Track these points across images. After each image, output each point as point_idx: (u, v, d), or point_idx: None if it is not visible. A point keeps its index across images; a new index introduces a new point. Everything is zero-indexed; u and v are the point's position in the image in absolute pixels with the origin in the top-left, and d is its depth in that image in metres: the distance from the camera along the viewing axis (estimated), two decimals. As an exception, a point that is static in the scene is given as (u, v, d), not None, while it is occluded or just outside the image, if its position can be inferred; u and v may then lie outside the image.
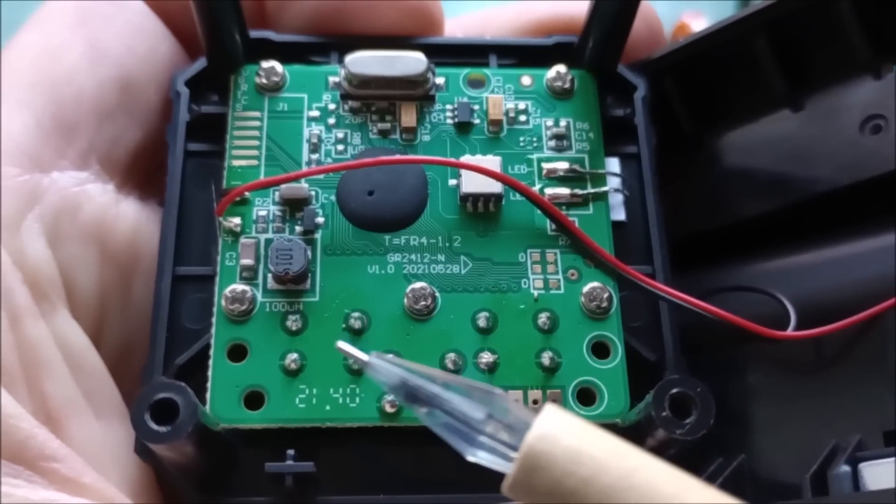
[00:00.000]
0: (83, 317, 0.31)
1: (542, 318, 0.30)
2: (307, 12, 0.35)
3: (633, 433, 0.28)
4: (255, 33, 0.34)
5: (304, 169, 0.32)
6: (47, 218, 0.30)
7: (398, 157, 0.32)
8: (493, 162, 0.32)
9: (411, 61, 0.33)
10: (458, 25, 0.38)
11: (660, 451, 0.28)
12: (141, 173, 0.34)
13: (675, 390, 0.26)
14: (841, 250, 0.33)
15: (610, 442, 0.22)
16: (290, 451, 0.29)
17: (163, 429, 0.25)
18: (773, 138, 0.35)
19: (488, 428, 0.23)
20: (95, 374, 0.30)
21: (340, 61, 0.34)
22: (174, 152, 0.33)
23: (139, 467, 0.30)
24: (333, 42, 0.35)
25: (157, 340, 0.30)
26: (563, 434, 0.22)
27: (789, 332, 0.31)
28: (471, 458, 0.23)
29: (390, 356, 0.24)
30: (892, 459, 0.27)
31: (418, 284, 0.30)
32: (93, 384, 0.30)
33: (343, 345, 0.25)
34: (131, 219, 0.33)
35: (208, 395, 0.29)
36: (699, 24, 0.66)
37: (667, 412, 0.26)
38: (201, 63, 0.34)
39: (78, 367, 0.30)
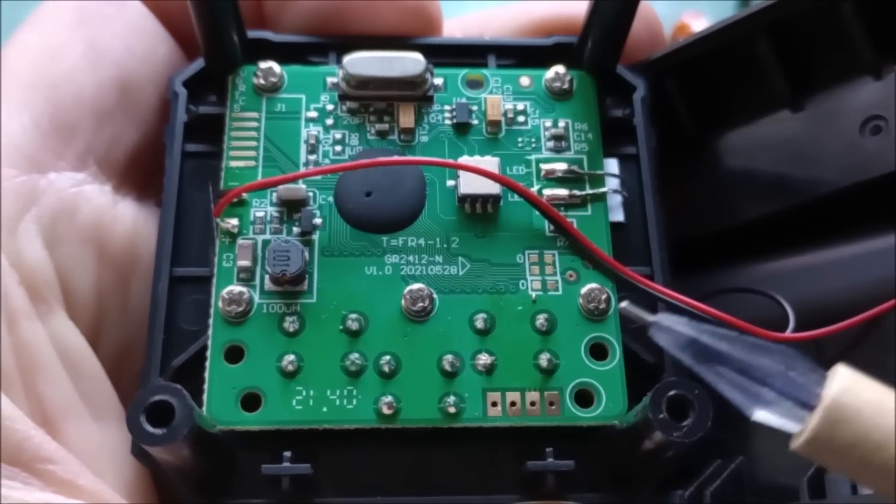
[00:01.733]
0: (80, 318, 0.31)
1: (540, 319, 0.30)
2: (306, 12, 0.35)
3: (631, 435, 0.28)
4: (253, 34, 0.34)
5: (302, 170, 0.32)
6: (44, 219, 0.30)
7: (396, 158, 0.32)
8: (491, 163, 0.32)
9: (409, 62, 0.33)
10: (457, 26, 0.38)
11: (657, 453, 0.28)
12: (139, 174, 0.34)
13: (672, 392, 0.26)
14: (841, 252, 0.32)
15: None
16: (287, 453, 0.29)
17: (158, 431, 0.25)
18: (774, 140, 0.35)
19: (780, 384, 0.22)
20: (93, 376, 0.30)
21: (339, 62, 0.34)
22: (171, 153, 0.33)
23: (136, 469, 0.30)
24: (332, 42, 0.35)
25: (154, 342, 0.30)
26: (866, 387, 0.22)
27: (788, 334, 0.31)
28: (757, 417, 0.23)
29: (676, 316, 0.24)
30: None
31: (416, 286, 0.30)
32: (90, 386, 0.30)
33: (626, 305, 0.25)
34: (129, 220, 0.33)
35: (205, 397, 0.29)
36: (699, 24, 0.66)
37: (664, 414, 0.26)
38: (199, 64, 0.34)
39: (75, 369, 0.30)
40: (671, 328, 0.24)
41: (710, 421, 0.26)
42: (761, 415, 0.23)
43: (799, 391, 0.22)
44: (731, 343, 0.23)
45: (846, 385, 0.22)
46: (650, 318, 0.24)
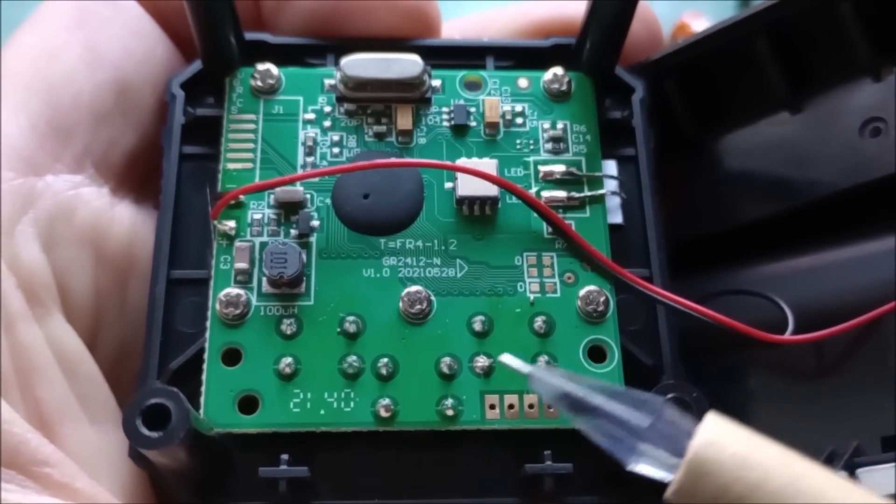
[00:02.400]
0: (78, 321, 0.31)
1: (538, 321, 0.30)
2: (303, 14, 0.35)
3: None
4: (250, 36, 0.34)
5: (300, 172, 0.32)
6: (42, 222, 0.30)
7: (393, 160, 0.31)
8: (489, 165, 0.32)
9: (407, 64, 0.33)
10: (455, 27, 0.37)
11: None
12: (137, 177, 0.34)
13: (670, 395, 0.26)
14: (840, 254, 0.32)
15: (774, 448, 0.22)
16: (284, 456, 0.29)
17: (154, 434, 0.25)
18: (773, 141, 0.35)
19: (650, 435, 0.23)
20: (90, 379, 0.30)
21: (336, 63, 0.33)
22: (169, 155, 0.33)
23: (133, 472, 0.30)
24: (329, 44, 0.35)
25: (151, 345, 0.30)
26: (730, 440, 0.22)
27: (787, 336, 0.31)
28: (631, 468, 0.23)
29: (552, 368, 0.25)
30: (890, 465, 0.27)
31: (414, 288, 0.30)
32: (87, 389, 0.30)
33: (507, 357, 0.26)
34: (126, 222, 0.33)
35: (202, 400, 0.29)
36: (699, 23, 0.66)
37: (662, 418, 0.25)
38: (197, 66, 0.34)
39: (72, 372, 0.30)
40: (545, 381, 0.24)
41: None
42: (638, 466, 0.23)
43: (669, 442, 0.23)
44: (603, 395, 0.24)
45: (710, 439, 0.22)
46: (527, 369, 0.25)
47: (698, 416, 0.25)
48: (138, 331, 0.31)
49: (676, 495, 0.22)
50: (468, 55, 0.35)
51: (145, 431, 0.25)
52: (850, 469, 0.27)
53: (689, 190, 0.37)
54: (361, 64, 0.33)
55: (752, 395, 0.32)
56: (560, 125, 0.33)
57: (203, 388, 0.29)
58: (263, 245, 0.31)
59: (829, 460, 0.28)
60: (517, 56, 0.35)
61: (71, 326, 0.30)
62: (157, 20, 0.35)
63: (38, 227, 0.30)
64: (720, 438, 0.22)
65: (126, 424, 0.24)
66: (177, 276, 0.31)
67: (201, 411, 0.29)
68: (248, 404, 0.29)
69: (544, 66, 0.34)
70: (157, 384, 0.26)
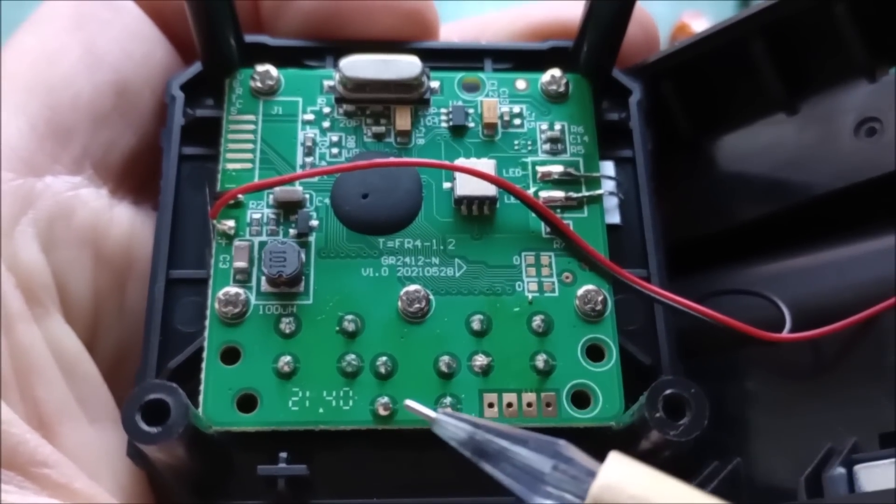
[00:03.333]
0: (77, 321, 0.31)
1: (537, 320, 0.30)
2: (302, 16, 0.35)
3: (627, 436, 0.28)
4: (250, 38, 0.34)
5: (299, 171, 0.32)
6: (41, 222, 0.30)
7: (392, 159, 0.32)
8: (487, 165, 0.32)
9: (406, 65, 0.33)
10: (454, 30, 0.38)
11: (654, 453, 0.27)
12: (136, 178, 0.34)
13: (668, 391, 0.26)
14: (837, 253, 0.32)
15: (674, 489, 0.23)
16: (283, 454, 0.29)
17: (154, 430, 0.25)
18: (770, 142, 0.35)
19: (554, 478, 0.23)
20: (89, 379, 0.30)
21: (335, 65, 0.34)
22: (168, 156, 0.33)
23: (132, 472, 0.30)
24: (328, 46, 0.35)
25: (150, 344, 0.30)
26: (628, 483, 0.22)
27: (784, 334, 0.31)
28: None
29: (457, 414, 0.25)
30: (888, 461, 0.27)
31: (412, 287, 0.30)
32: (86, 389, 0.30)
33: (411, 403, 0.26)
34: (125, 223, 0.33)
35: (201, 398, 0.29)
36: (699, 24, 0.66)
37: (660, 413, 0.26)
38: (196, 68, 0.34)
39: (71, 373, 0.30)
40: (449, 426, 0.25)
41: (707, 420, 0.26)
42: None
43: (574, 483, 0.23)
44: (507, 440, 0.24)
45: (608, 482, 0.23)
46: (432, 415, 0.25)
47: (695, 413, 0.25)
48: (137, 331, 0.31)
49: None
50: (466, 58, 0.35)
51: (144, 427, 0.25)
52: (849, 466, 0.27)
53: (686, 191, 0.37)
54: (360, 65, 0.33)
55: (751, 393, 0.32)
56: (558, 126, 0.33)
57: (202, 387, 0.29)
58: (262, 244, 0.31)
59: (827, 457, 0.28)
60: (515, 59, 0.36)
61: (70, 327, 0.30)
62: (157, 22, 0.35)
63: (37, 227, 0.30)
64: (619, 481, 0.23)
65: (125, 419, 0.25)
66: (176, 276, 0.31)
67: (200, 410, 0.29)
68: (246, 403, 0.29)
69: (542, 69, 0.35)
70: (155, 380, 0.26)
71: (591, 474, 0.23)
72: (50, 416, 0.29)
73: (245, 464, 0.29)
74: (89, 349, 0.31)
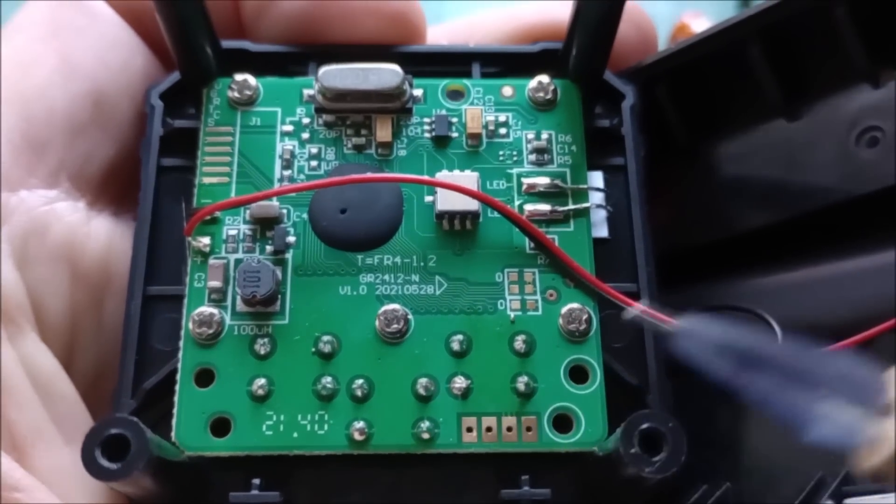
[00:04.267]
0: (53, 340, 0.30)
1: (519, 341, 0.29)
2: (284, 20, 0.34)
3: (610, 462, 0.27)
4: (231, 44, 0.33)
5: (276, 187, 0.31)
6: (15, 239, 0.30)
7: (370, 175, 0.31)
8: (470, 178, 0.31)
9: (386, 74, 0.32)
10: (441, 32, 0.37)
11: (638, 480, 0.27)
12: (115, 189, 0.33)
13: (645, 426, 0.25)
14: (835, 268, 0.31)
15: None
16: (256, 481, 0.28)
17: (114, 466, 0.24)
18: (768, 149, 0.33)
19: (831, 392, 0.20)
20: (65, 399, 0.30)
21: (317, 72, 0.33)
22: (147, 168, 0.32)
23: (108, 494, 0.29)
24: (311, 52, 0.34)
25: (126, 363, 0.30)
26: None
27: (775, 357, 0.29)
28: (813, 439, 0.20)
29: (703, 320, 0.21)
30: (879, 497, 0.26)
31: (391, 306, 0.30)
32: (62, 409, 0.30)
33: (638, 313, 0.23)
34: (103, 237, 0.32)
35: (174, 421, 0.28)
36: (699, 23, 0.64)
37: (636, 449, 0.25)
38: (176, 75, 0.33)
39: (46, 393, 0.29)
40: (698, 336, 0.21)
41: (685, 455, 0.25)
42: (817, 432, 0.20)
43: (856, 398, 0.20)
44: (772, 349, 0.21)
45: None
46: (669, 325, 0.21)
47: (672, 448, 0.24)
48: (116, 347, 0.31)
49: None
50: (454, 61, 0.34)
51: (104, 463, 0.24)
52: (838, 498, 0.26)
53: (680, 199, 0.36)
54: (339, 74, 0.32)
55: (742, 414, 0.31)
56: (545, 135, 0.32)
57: (175, 410, 0.29)
58: (238, 262, 0.30)
59: (818, 487, 0.27)
60: (504, 62, 0.34)
61: (45, 346, 0.30)
62: (135, 28, 0.34)
63: (11, 244, 0.30)
64: None
65: (85, 455, 0.24)
66: (153, 293, 0.31)
67: (173, 434, 0.28)
68: (220, 426, 0.28)
69: (533, 72, 0.33)
70: (116, 415, 0.26)
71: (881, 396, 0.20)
72: (23, 439, 0.28)
73: (219, 490, 0.28)
74: (67, 367, 0.30)
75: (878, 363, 0.28)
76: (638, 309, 0.22)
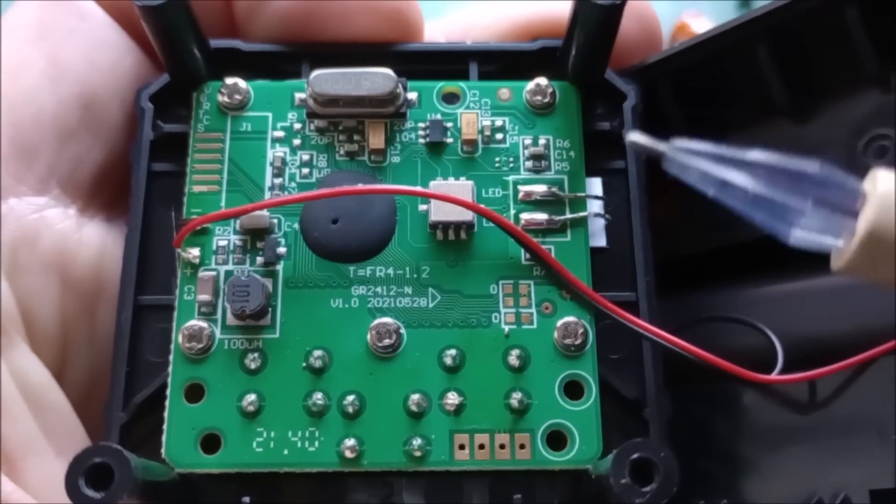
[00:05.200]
0: (44, 351, 0.30)
1: (513, 355, 0.29)
2: (277, 18, 0.33)
3: (600, 486, 0.27)
4: (223, 43, 0.33)
5: (266, 199, 0.30)
6: (4, 249, 0.30)
7: (361, 187, 0.30)
8: (464, 187, 0.30)
9: (379, 79, 0.31)
10: (439, 29, 0.35)
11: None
12: (106, 194, 0.33)
13: (636, 455, 0.24)
14: (838, 281, 0.30)
15: None
16: (246, 499, 0.28)
17: (97, 494, 0.24)
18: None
19: (815, 213, 0.22)
20: (57, 411, 0.30)
21: (311, 72, 0.32)
22: (137, 173, 0.32)
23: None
24: (304, 52, 0.33)
25: (117, 375, 0.29)
26: None
27: (774, 375, 0.29)
28: (794, 240, 0.22)
29: (690, 146, 0.22)
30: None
31: (383, 320, 0.29)
32: (53, 421, 0.30)
33: (636, 137, 0.23)
34: (95, 244, 0.32)
35: (164, 437, 0.28)
36: (699, 23, 0.63)
37: (626, 479, 0.24)
38: (166, 77, 0.32)
39: (38, 404, 0.29)
40: (684, 161, 0.22)
41: (677, 485, 0.24)
42: (800, 235, 0.22)
43: (834, 208, 0.22)
44: (750, 172, 0.22)
45: (889, 176, 0.21)
46: (661, 147, 0.23)
47: (664, 478, 0.24)
48: (108, 356, 0.30)
49: (866, 245, 0.21)
50: (451, 60, 0.33)
51: (88, 492, 0.24)
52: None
53: (681, 203, 0.35)
54: (330, 79, 0.31)
55: (741, 426, 0.31)
56: (542, 140, 0.31)
57: (165, 426, 0.28)
58: (229, 273, 0.30)
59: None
60: (502, 60, 0.33)
61: (37, 356, 0.30)
62: (126, 28, 0.33)
63: (0, 253, 0.29)
64: None
65: (68, 484, 0.24)
66: (144, 302, 0.30)
67: (163, 450, 0.28)
68: (210, 443, 0.28)
69: (531, 71, 0.32)
70: (100, 444, 0.25)
71: (859, 197, 0.22)
72: (14, 451, 0.28)
73: (209, 506, 0.28)
74: (59, 378, 0.30)
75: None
76: (634, 137, 0.23)
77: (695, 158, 0.22)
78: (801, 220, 0.22)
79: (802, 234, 0.22)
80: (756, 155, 0.22)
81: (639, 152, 0.24)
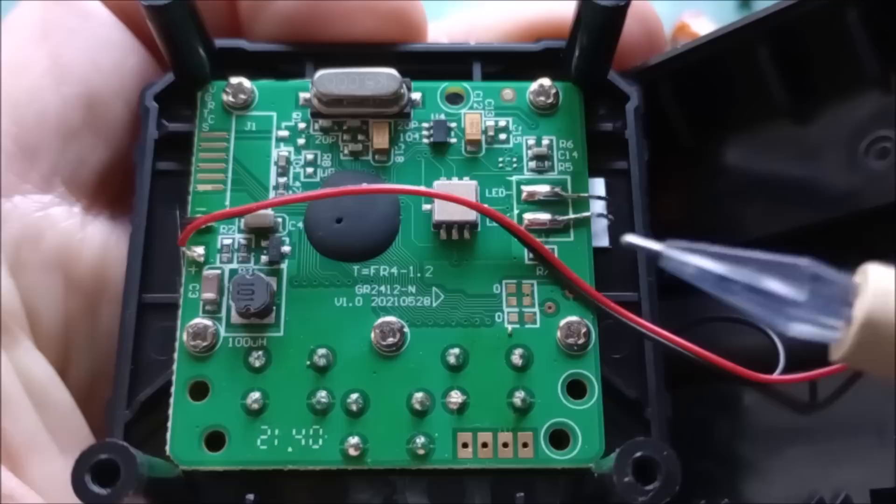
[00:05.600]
0: (48, 348, 0.30)
1: (516, 354, 0.29)
2: (281, 18, 0.33)
3: (604, 482, 0.27)
4: (227, 43, 0.33)
5: (271, 198, 0.31)
6: (8, 246, 0.30)
7: (365, 186, 0.30)
8: (468, 187, 0.30)
9: (383, 79, 0.31)
10: (443, 29, 0.36)
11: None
12: (111, 192, 0.33)
13: (639, 454, 0.24)
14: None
15: None
16: (250, 496, 0.28)
17: (104, 491, 0.24)
18: (774, 154, 0.33)
19: (810, 305, 0.22)
20: (60, 408, 0.30)
21: (314, 71, 0.32)
22: (141, 172, 0.32)
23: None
24: (308, 51, 0.33)
25: (121, 374, 0.30)
26: None
27: (776, 375, 0.29)
28: (794, 332, 0.23)
29: (687, 245, 0.23)
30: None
31: (386, 318, 0.29)
32: (57, 418, 0.30)
33: (631, 238, 0.25)
34: (98, 242, 0.32)
35: (169, 435, 0.28)
36: (699, 23, 0.63)
37: (630, 478, 0.24)
38: (170, 77, 0.32)
39: (41, 401, 0.29)
40: (679, 259, 0.23)
41: (679, 484, 0.24)
42: (798, 329, 0.22)
43: (827, 301, 0.22)
44: (745, 267, 0.22)
45: (880, 269, 0.22)
46: (656, 247, 0.24)
47: (666, 477, 0.24)
48: (111, 354, 0.30)
49: (863, 330, 0.22)
50: (454, 60, 0.34)
51: (94, 488, 0.24)
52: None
53: (683, 202, 0.35)
54: (335, 79, 0.31)
55: (742, 426, 0.31)
56: (545, 141, 0.32)
57: (169, 424, 0.28)
58: (233, 272, 0.30)
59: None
60: (506, 61, 0.34)
61: (40, 353, 0.30)
62: (130, 27, 0.33)
63: (4, 251, 0.29)
64: (888, 270, 0.22)
65: (74, 481, 0.24)
66: (148, 301, 0.31)
67: (167, 447, 0.28)
68: (214, 440, 0.28)
69: (535, 72, 0.33)
70: (105, 441, 0.25)
71: (852, 291, 0.22)
72: (18, 448, 0.28)
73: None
74: (62, 375, 0.30)
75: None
76: (630, 239, 0.25)
77: (690, 255, 0.23)
78: (798, 312, 0.22)
79: (801, 327, 0.22)
80: (749, 253, 0.23)
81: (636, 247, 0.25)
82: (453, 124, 0.32)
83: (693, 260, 0.23)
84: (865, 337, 0.22)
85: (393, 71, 0.31)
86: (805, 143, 0.32)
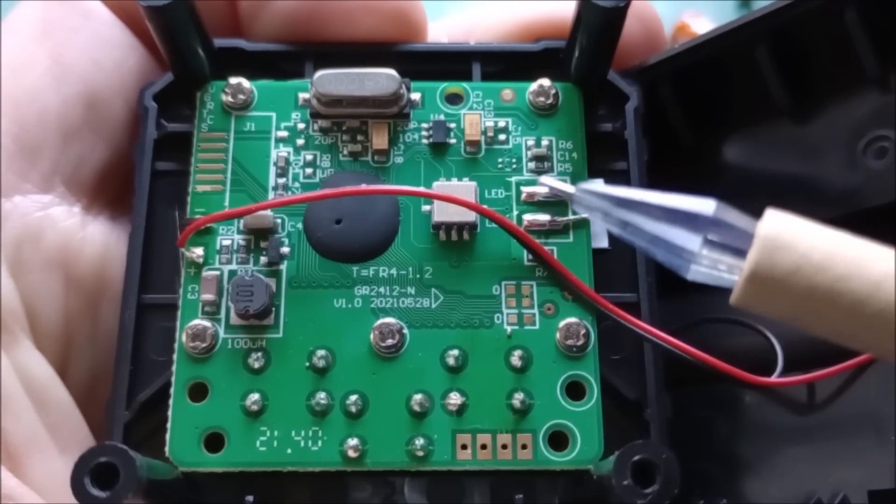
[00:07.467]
0: (47, 347, 0.30)
1: (515, 356, 0.29)
2: (281, 18, 0.33)
3: (605, 483, 0.27)
4: (226, 42, 0.33)
5: (270, 198, 0.31)
6: (8, 246, 0.30)
7: (364, 187, 0.30)
8: (467, 188, 0.30)
9: (382, 79, 0.31)
10: (443, 29, 0.36)
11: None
12: (111, 192, 0.33)
13: (638, 457, 0.24)
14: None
15: (855, 247, 0.22)
16: (249, 498, 0.28)
17: (103, 494, 0.24)
18: (773, 154, 0.33)
19: (708, 253, 0.23)
20: (60, 407, 0.30)
21: (314, 71, 0.32)
22: (141, 172, 0.32)
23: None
24: (307, 51, 0.33)
25: (120, 374, 0.30)
26: (796, 219, 0.22)
27: (773, 378, 0.29)
28: (693, 276, 0.23)
29: (596, 190, 0.25)
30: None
31: (386, 320, 0.29)
32: (57, 417, 0.30)
33: (545, 178, 0.26)
34: (98, 242, 0.32)
35: (168, 436, 0.28)
36: (699, 23, 0.63)
37: (629, 481, 0.24)
38: (169, 76, 0.32)
39: (41, 401, 0.29)
40: (589, 203, 0.25)
41: (678, 487, 0.24)
42: (697, 272, 0.23)
43: (728, 243, 0.23)
44: (648, 214, 0.23)
45: (777, 217, 0.22)
46: (568, 189, 0.25)
47: (665, 479, 0.24)
48: (111, 354, 0.30)
49: (751, 282, 0.22)
50: (454, 60, 0.33)
51: (93, 491, 0.24)
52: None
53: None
54: (334, 79, 0.31)
55: (741, 427, 0.31)
56: (545, 141, 0.32)
57: (169, 425, 0.28)
58: (233, 273, 0.30)
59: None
60: (506, 61, 0.34)
61: (40, 353, 0.30)
62: (130, 26, 0.33)
63: (4, 251, 0.29)
64: (786, 218, 0.22)
65: (73, 483, 0.24)
66: (148, 301, 0.31)
67: (167, 449, 0.28)
68: (214, 442, 0.28)
69: (535, 72, 0.33)
70: (105, 444, 0.25)
71: (749, 237, 0.22)
72: (17, 448, 0.28)
73: (213, 504, 0.28)
74: (62, 375, 0.30)
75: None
76: (544, 179, 0.27)
77: (599, 200, 0.24)
78: (695, 257, 0.23)
79: (699, 270, 0.23)
80: (655, 196, 0.23)
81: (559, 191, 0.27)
82: (453, 125, 0.32)
83: (601, 205, 0.24)
84: (753, 285, 0.22)
85: (392, 71, 0.31)
86: (804, 142, 0.32)
